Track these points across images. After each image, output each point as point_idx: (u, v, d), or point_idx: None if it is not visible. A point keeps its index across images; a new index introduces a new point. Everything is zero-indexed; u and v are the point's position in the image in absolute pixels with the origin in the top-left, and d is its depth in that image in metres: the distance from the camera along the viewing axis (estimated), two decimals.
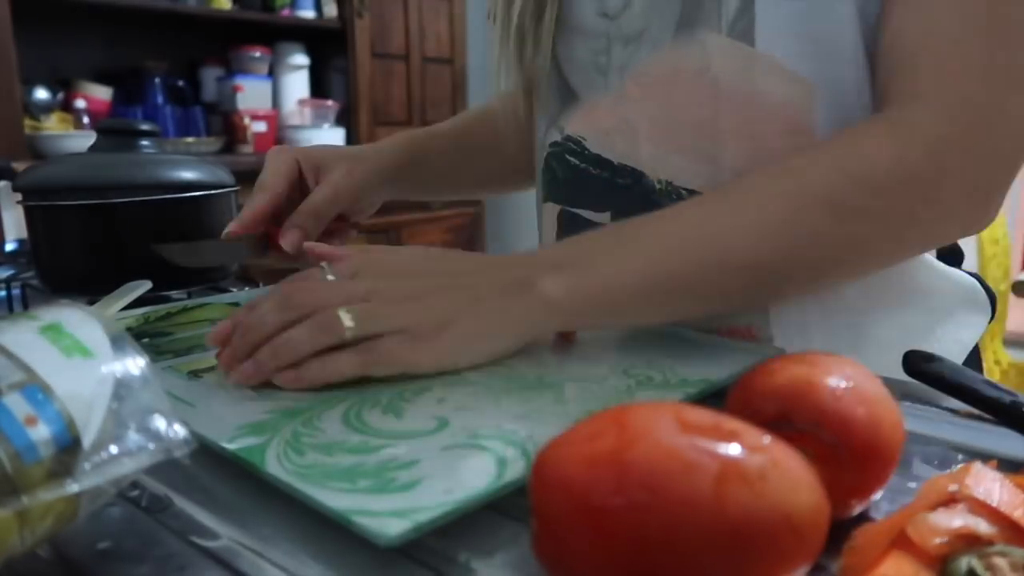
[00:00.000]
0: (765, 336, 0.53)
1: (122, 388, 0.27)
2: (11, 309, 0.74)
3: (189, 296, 0.71)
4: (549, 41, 0.59)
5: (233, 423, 0.37)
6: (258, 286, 0.76)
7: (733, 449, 0.23)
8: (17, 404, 0.24)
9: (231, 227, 0.58)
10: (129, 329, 0.54)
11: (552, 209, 0.63)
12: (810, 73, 0.47)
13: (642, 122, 0.54)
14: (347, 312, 0.40)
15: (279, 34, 2.31)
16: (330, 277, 0.43)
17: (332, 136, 2.29)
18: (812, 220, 0.44)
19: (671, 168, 0.54)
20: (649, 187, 0.55)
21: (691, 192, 0.53)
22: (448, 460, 0.33)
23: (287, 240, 0.58)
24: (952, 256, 0.57)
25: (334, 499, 0.29)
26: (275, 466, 0.32)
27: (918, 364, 0.41)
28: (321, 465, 0.32)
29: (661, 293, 0.45)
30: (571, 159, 0.60)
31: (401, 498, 0.29)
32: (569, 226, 0.62)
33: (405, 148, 0.70)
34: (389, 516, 0.28)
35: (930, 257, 0.55)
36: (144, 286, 0.51)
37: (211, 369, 0.46)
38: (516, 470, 0.31)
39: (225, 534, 0.29)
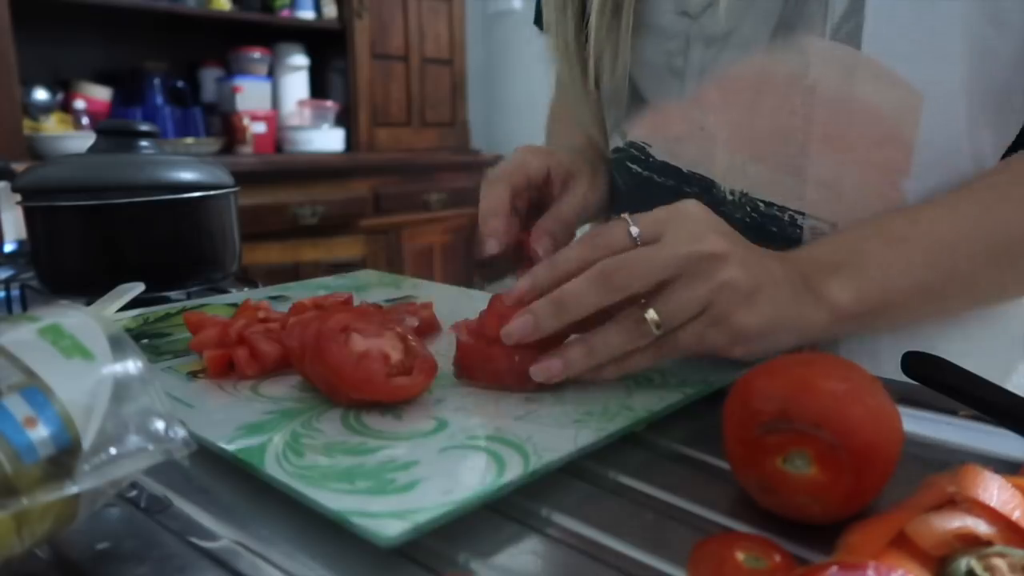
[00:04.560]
0: None
1: (121, 389, 0.27)
2: (10, 310, 0.74)
3: (188, 297, 0.71)
4: (627, 49, 0.56)
5: (232, 424, 0.37)
6: (256, 286, 0.76)
7: None
8: (17, 405, 0.24)
9: (492, 247, 0.50)
10: (128, 330, 0.54)
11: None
12: (915, 79, 0.45)
13: (721, 129, 0.52)
14: (653, 312, 0.38)
15: (278, 35, 2.31)
16: (635, 232, 0.40)
17: (332, 137, 2.29)
18: None
19: (748, 178, 0.51)
20: (719, 197, 0.53)
21: (767, 204, 0.51)
22: (447, 461, 0.33)
23: (542, 246, 0.51)
24: None
25: (333, 500, 0.29)
26: (274, 467, 0.32)
27: (917, 366, 0.41)
28: (320, 466, 0.32)
29: (939, 291, 0.44)
30: (633, 167, 0.58)
31: (400, 499, 0.29)
32: None
33: (604, 166, 0.64)
34: (388, 517, 0.28)
35: None
36: (137, 288, 0.51)
37: None
38: (515, 471, 0.31)
39: (224, 535, 0.29)
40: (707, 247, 0.39)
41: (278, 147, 2.27)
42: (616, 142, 0.59)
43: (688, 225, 0.40)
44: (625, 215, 0.41)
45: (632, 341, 0.39)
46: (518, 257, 0.52)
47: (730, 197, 0.52)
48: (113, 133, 0.72)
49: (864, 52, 0.46)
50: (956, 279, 0.44)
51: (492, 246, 0.50)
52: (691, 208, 0.41)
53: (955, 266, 0.43)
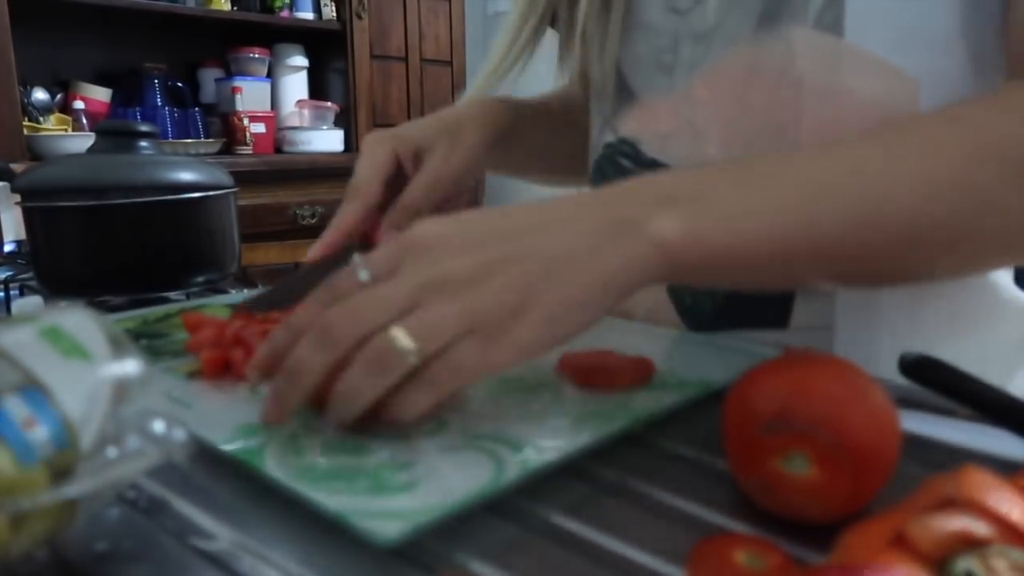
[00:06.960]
0: None
1: (121, 390, 0.27)
2: (9, 311, 0.74)
3: (188, 297, 0.71)
4: (616, 42, 0.56)
5: (231, 424, 0.37)
6: (256, 287, 0.76)
7: None
8: (15, 406, 0.24)
9: (315, 250, 0.50)
10: (127, 331, 0.54)
11: None
12: (907, 66, 0.43)
13: (712, 125, 0.51)
14: (401, 331, 0.32)
15: (278, 35, 2.31)
16: (364, 276, 0.35)
17: (331, 138, 2.29)
18: (989, 180, 0.37)
19: None
20: None
21: None
22: (446, 461, 0.33)
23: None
24: None
25: (332, 500, 0.29)
26: (273, 467, 0.32)
27: (915, 367, 0.41)
28: (319, 466, 0.32)
29: (802, 250, 0.36)
30: (624, 162, 0.58)
31: (399, 499, 0.29)
32: None
33: (501, 121, 0.61)
34: (387, 518, 0.28)
35: (1013, 285, 0.52)
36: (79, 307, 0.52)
37: None
38: (514, 471, 0.31)
39: (223, 536, 0.29)
40: (448, 269, 0.33)
41: (277, 148, 2.27)
42: (608, 137, 0.59)
43: (427, 250, 0.34)
44: (357, 257, 0.36)
45: (384, 373, 0.32)
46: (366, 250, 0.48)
47: None
48: (112, 134, 0.72)
49: (848, 40, 0.44)
50: (824, 237, 0.36)
51: (315, 250, 0.50)
52: (430, 229, 0.35)
53: (820, 220, 0.36)
